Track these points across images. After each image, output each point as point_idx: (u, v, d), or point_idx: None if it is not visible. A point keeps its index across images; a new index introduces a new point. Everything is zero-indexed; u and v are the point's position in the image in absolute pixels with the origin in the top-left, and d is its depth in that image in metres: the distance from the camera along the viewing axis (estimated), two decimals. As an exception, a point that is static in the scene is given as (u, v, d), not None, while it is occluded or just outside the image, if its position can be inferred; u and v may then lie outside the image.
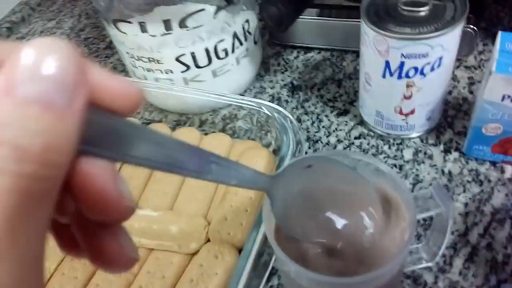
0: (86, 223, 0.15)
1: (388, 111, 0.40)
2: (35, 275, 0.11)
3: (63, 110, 0.11)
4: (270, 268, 0.31)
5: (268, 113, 0.41)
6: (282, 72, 0.52)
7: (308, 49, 0.54)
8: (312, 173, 0.24)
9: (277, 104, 0.49)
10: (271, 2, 0.39)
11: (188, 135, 0.44)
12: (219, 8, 0.40)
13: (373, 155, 0.42)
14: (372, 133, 0.44)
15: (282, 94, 0.50)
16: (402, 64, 0.35)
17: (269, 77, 0.52)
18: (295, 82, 0.51)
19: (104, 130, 0.13)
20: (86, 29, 0.65)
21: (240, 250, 0.35)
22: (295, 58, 0.54)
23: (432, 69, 0.35)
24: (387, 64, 0.36)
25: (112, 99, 0.14)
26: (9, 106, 0.10)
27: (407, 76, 0.36)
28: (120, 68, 0.57)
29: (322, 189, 0.24)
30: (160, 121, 0.49)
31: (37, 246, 0.11)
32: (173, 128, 0.47)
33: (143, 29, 0.39)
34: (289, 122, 0.40)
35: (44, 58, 0.11)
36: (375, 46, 0.35)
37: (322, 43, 0.53)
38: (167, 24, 0.39)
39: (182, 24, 0.39)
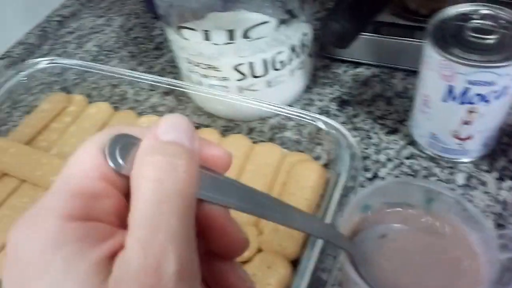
0: (212, 262, 0.19)
1: (444, 134, 0.40)
2: (196, 258, 0.15)
3: (189, 148, 0.17)
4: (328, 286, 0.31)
5: (325, 128, 0.41)
6: (331, 86, 0.53)
7: (357, 64, 0.54)
8: (387, 242, 0.27)
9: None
10: (334, 19, 0.39)
11: (238, 142, 0.45)
12: (282, 21, 0.40)
13: (424, 177, 0.42)
14: (423, 154, 0.44)
15: (331, 108, 0.50)
16: (466, 90, 0.35)
17: (318, 90, 0.52)
18: (344, 97, 0.51)
19: (214, 182, 0.18)
20: (135, 29, 0.66)
21: (292, 262, 0.36)
22: (344, 72, 0.54)
23: (497, 97, 0.35)
24: (451, 88, 0.36)
25: (213, 160, 0.18)
26: (160, 145, 0.16)
27: (470, 102, 0.36)
28: (168, 70, 0.58)
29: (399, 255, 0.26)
30: (208, 126, 0.50)
31: (194, 237, 0.15)
32: (223, 134, 0.48)
33: (207, 37, 0.40)
34: (344, 139, 0.40)
35: (174, 120, 0.17)
36: (440, 70, 0.36)
37: (372, 59, 0.53)
38: (231, 33, 0.39)
39: (245, 34, 0.40)
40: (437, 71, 0.36)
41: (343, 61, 0.55)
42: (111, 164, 0.16)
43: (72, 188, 0.16)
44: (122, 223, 0.16)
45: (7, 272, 0.14)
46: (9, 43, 0.66)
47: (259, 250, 0.37)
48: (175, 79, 0.57)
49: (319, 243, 0.33)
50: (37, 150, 0.46)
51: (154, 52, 0.62)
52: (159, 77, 0.48)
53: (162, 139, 0.16)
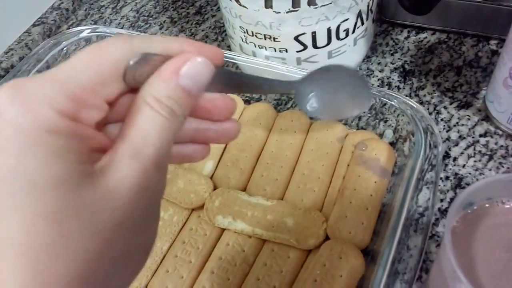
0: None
1: (531, 112, 0.36)
2: (168, 155, 0.18)
3: (193, 96, 0.19)
4: (416, 276, 0.29)
5: (392, 102, 0.38)
6: (392, 54, 0.48)
7: (420, 29, 0.50)
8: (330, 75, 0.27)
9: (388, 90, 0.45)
10: (413, -18, 0.35)
11: (296, 119, 0.42)
12: (351, -15, 0.36)
13: (503, 157, 0.38)
14: (499, 132, 0.40)
15: (393, 80, 0.46)
16: None
17: (377, 59, 0.48)
18: (407, 66, 0.47)
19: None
20: (174, -9, 0.62)
21: (362, 251, 0.34)
22: (406, 38, 0.49)
23: None
24: (549, 62, 0.32)
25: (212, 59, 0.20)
26: (172, 85, 0.18)
27: None
28: (213, 37, 0.55)
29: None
30: (259, 100, 0.47)
31: (171, 144, 0.18)
32: (276, 107, 0.45)
33: (268, 4, 0.36)
34: (417, 115, 0.37)
35: (199, 68, 0.19)
36: (539, 42, 0.31)
37: (437, 23, 0.48)
38: (295, 0, 0.35)
39: (311, 1, 0.36)
40: (534, 42, 0.32)
41: (405, 26, 0.50)
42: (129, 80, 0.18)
43: (72, 89, 0.17)
44: (100, 129, 0.19)
45: None
46: (43, 8, 0.62)
47: (326, 238, 0.35)
48: (219, 47, 0.54)
49: (398, 232, 0.31)
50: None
51: (195, 17, 0.58)
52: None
53: (180, 82, 0.18)
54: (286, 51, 0.40)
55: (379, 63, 0.48)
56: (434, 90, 0.44)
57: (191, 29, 0.56)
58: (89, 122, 0.17)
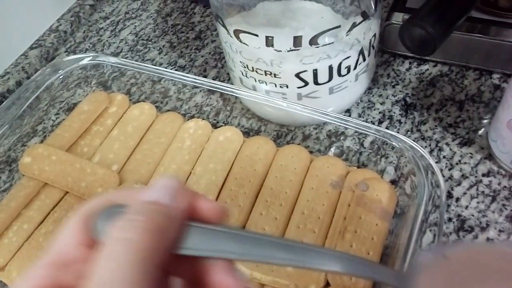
0: None
1: (536, 155, 0.35)
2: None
3: (168, 206, 0.18)
4: None
5: (394, 143, 0.37)
6: (393, 86, 0.48)
7: (422, 61, 0.49)
8: (453, 266, 0.20)
9: (389, 124, 0.45)
10: (416, 23, 0.34)
11: (296, 154, 0.41)
12: (354, 25, 0.36)
13: (506, 198, 0.38)
14: (503, 172, 0.39)
15: (394, 113, 0.46)
16: None
17: (378, 91, 0.48)
18: (408, 99, 0.46)
19: (205, 235, 0.18)
20: (173, 15, 0.62)
21: (363, 299, 0.33)
22: (407, 70, 0.49)
23: None
24: (555, 110, 0.31)
25: (208, 214, 0.19)
26: (140, 202, 0.18)
27: None
28: (212, 64, 0.54)
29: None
30: (259, 131, 0.46)
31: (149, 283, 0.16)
32: (275, 141, 0.44)
33: (269, 43, 0.36)
34: (418, 155, 0.36)
35: (161, 183, 0.19)
36: (545, 89, 0.31)
37: (439, 55, 0.48)
38: (296, 40, 0.35)
39: (312, 41, 0.35)
40: (540, 90, 0.31)
41: (406, 57, 0.50)
42: (94, 234, 0.18)
43: (48, 259, 0.18)
44: None
45: None
46: (40, 30, 0.62)
47: (327, 285, 0.34)
48: (219, 74, 0.53)
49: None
50: (79, 158, 0.44)
51: (195, 42, 0.57)
52: (206, 80, 0.44)
53: (145, 198, 0.18)
54: (287, 86, 0.40)
55: (380, 95, 0.47)
56: (436, 125, 0.44)
57: (190, 55, 0.56)
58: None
